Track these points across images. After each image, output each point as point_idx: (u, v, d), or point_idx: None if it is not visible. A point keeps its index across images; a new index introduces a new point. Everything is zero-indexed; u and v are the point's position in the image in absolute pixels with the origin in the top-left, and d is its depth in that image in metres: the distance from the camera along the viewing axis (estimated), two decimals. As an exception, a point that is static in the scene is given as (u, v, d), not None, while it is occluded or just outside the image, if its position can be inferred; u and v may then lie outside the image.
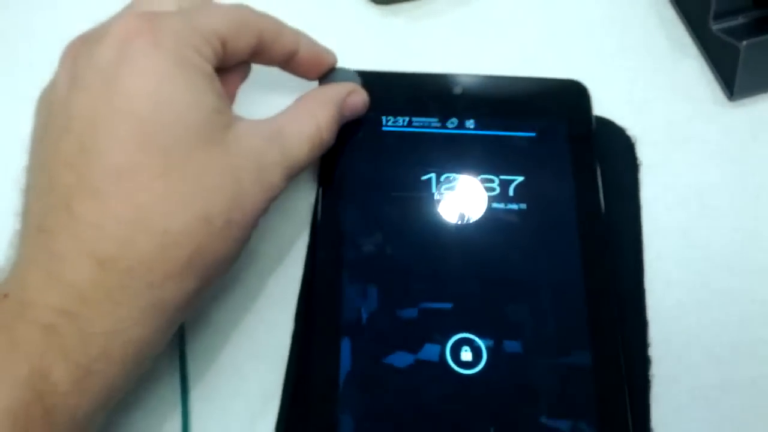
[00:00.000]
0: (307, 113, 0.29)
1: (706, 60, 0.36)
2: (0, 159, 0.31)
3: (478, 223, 0.30)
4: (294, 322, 0.30)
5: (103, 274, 0.23)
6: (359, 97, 0.32)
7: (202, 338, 0.30)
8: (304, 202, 0.33)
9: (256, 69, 0.31)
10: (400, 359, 0.28)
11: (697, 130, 0.34)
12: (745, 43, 0.33)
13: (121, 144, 0.24)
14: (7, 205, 0.27)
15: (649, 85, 0.36)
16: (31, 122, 0.27)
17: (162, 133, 0.25)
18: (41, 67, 0.28)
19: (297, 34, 0.31)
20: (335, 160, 0.32)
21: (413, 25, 0.38)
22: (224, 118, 0.26)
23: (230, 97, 0.29)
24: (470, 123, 0.33)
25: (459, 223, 0.30)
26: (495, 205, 0.31)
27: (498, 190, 0.31)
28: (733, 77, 0.34)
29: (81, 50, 0.26)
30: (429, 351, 0.28)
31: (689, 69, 0.36)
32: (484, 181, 0.31)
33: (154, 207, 0.24)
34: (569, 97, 0.33)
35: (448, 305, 0.29)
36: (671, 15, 0.37)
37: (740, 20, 0.34)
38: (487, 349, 0.28)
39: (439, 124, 0.33)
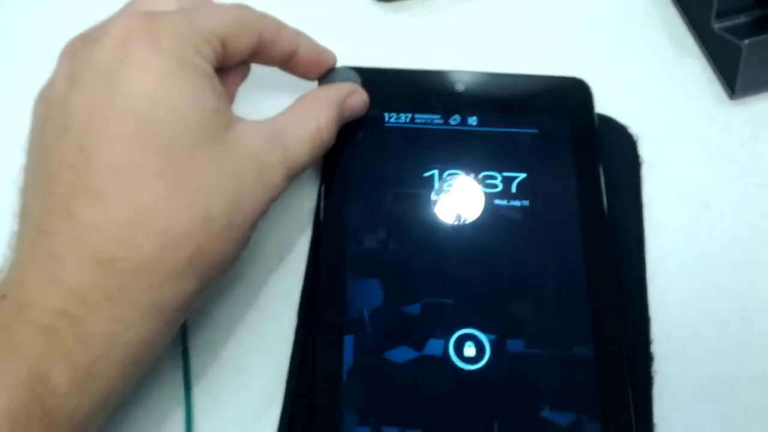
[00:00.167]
0: (308, 114, 0.29)
1: (707, 59, 0.36)
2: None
3: (480, 219, 0.30)
4: (297, 318, 0.30)
5: (103, 276, 0.23)
6: (359, 98, 0.32)
7: (205, 334, 0.30)
8: (306, 198, 0.33)
9: (256, 69, 0.31)
10: (403, 354, 0.28)
11: (698, 129, 0.34)
12: (746, 41, 0.33)
13: (120, 144, 0.24)
14: (4, 206, 0.27)
15: (650, 84, 0.36)
16: (29, 121, 0.27)
17: (162, 133, 0.24)
18: (40, 65, 0.28)
19: (297, 34, 0.31)
20: (338, 157, 0.32)
21: (416, 22, 0.38)
22: (224, 119, 0.26)
23: (230, 97, 0.29)
24: (473, 120, 0.33)
25: (461, 219, 0.30)
26: (497, 201, 0.31)
27: (501, 187, 0.31)
28: (735, 76, 0.34)
29: (80, 49, 0.26)
30: (432, 346, 0.28)
31: (691, 67, 0.36)
32: (486, 177, 0.31)
33: (153, 207, 0.24)
34: (572, 94, 0.33)
35: (450, 301, 0.29)
36: (673, 14, 0.38)
37: (742, 19, 0.35)
38: (491, 344, 0.28)
39: (441, 121, 0.33)
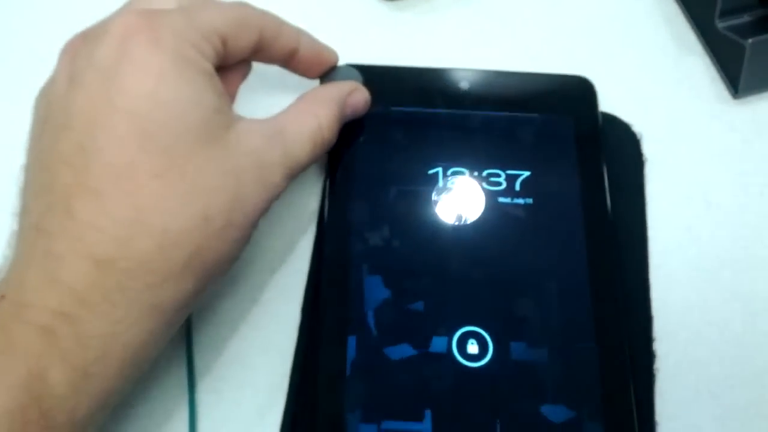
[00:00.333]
0: (309, 112, 0.29)
1: (710, 58, 0.36)
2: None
3: (484, 217, 0.31)
4: (301, 315, 0.30)
5: (101, 276, 0.23)
6: (361, 96, 0.32)
7: (209, 330, 0.30)
8: (310, 195, 0.33)
9: (257, 67, 0.31)
10: (407, 351, 0.28)
11: (701, 127, 0.35)
12: (750, 41, 0.33)
13: (120, 143, 0.24)
14: (5, 205, 0.27)
15: (654, 82, 0.36)
16: (29, 120, 0.27)
17: (161, 133, 0.24)
18: (40, 63, 0.28)
19: (298, 32, 0.31)
20: (342, 154, 0.32)
21: (420, 20, 0.38)
22: (224, 118, 0.26)
23: (231, 95, 0.29)
24: (477, 118, 0.33)
25: (465, 216, 0.31)
26: (501, 199, 0.31)
27: (504, 185, 0.31)
28: (738, 75, 0.34)
29: (80, 48, 0.26)
30: (435, 343, 0.28)
31: (694, 66, 0.36)
32: (490, 175, 0.31)
33: (153, 207, 0.24)
34: (576, 92, 0.33)
35: (454, 298, 0.29)
36: (676, 12, 0.38)
37: (745, 18, 0.35)
38: (494, 341, 0.28)
39: (445, 119, 0.33)
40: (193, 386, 0.29)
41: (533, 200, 0.31)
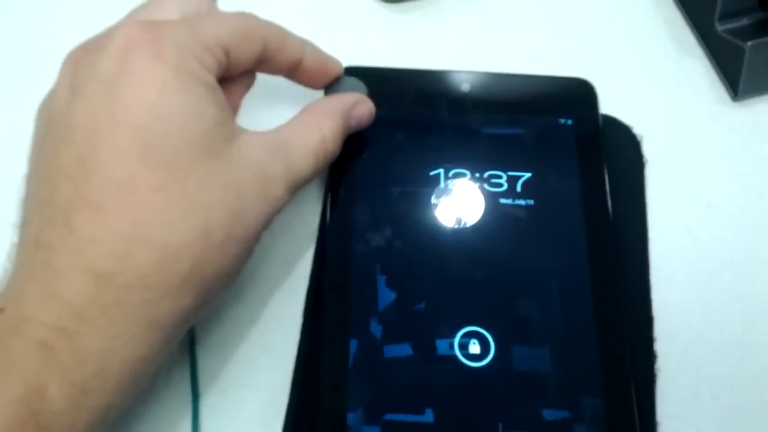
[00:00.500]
0: (313, 124, 0.29)
1: (710, 60, 0.36)
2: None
3: (485, 218, 0.31)
4: (303, 316, 0.30)
5: (100, 290, 0.23)
6: (365, 108, 0.31)
7: (212, 330, 0.30)
8: (312, 196, 0.33)
9: (261, 78, 0.31)
10: (409, 351, 0.28)
11: (701, 129, 0.35)
12: (750, 43, 0.33)
13: (121, 156, 0.24)
14: (5, 216, 0.27)
15: (654, 85, 0.36)
16: (31, 130, 0.27)
17: (162, 146, 0.24)
18: (43, 73, 0.28)
19: (302, 42, 0.30)
20: (344, 156, 0.32)
21: (422, 23, 0.38)
22: (226, 130, 0.26)
23: (234, 106, 0.29)
24: (478, 120, 0.33)
25: (467, 218, 0.31)
26: (503, 200, 0.31)
27: (506, 186, 0.31)
28: (738, 77, 0.35)
29: (82, 59, 0.26)
30: (438, 343, 0.28)
31: (694, 69, 0.36)
32: (491, 177, 0.32)
33: (152, 220, 0.24)
34: (577, 95, 0.34)
35: (456, 299, 0.29)
36: (676, 15, 0.38)
37: (745, 21, 0.35)
38: (495, 341, 0.28)
39: (447, 121, 0.33)
40: (196, 386, 0.29)
41: (534, 201, 0.31)
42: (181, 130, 0.25)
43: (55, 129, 0.25)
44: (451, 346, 0.28)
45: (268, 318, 0.31)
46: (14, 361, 0.22)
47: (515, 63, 0.36)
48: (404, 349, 0.28)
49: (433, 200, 0.31)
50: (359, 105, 0.31)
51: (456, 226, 0.31)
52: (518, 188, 0.31)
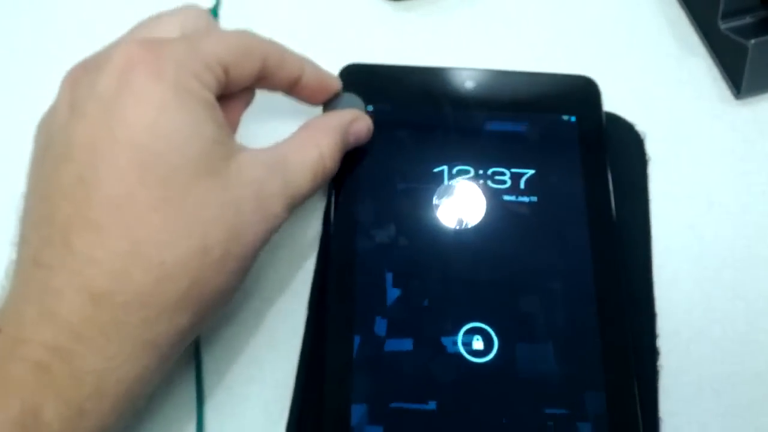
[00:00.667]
0: (311, 142, 0.29)
1: (713, 58, 0.36)
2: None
3: (489, 214, 0.31)
4: (307, 311, 0.30)
5: (97, 310, 0.23)
6: (363, 124, 0.31)
7: (216, 326, 0.30)
8: (317, 193, 0.33)
9: (260, 94, 0.31)
10: (413, 347, 0.28)
11: (704, 127, 0.35)
12: (753, 42, 0.34)
13: (120, 175, 0.24)
14: (3, 233, 0.27)
15: (657, 83, 0.36)
16: (30, 147, 0.27)
17: (160, 165, 0.24)
18: (42, 90, 0.28)
19: (301, 59, 0.30)
20: (348, 153, 0.32)
21: (425, 21, 0.38)
22: (225, 148, 0.26)
23: (233, 123, 0.29)
24: (482, 117, 0.33)
25: (470, 214, 0.31)
26: (506, 197, 0.31)
27: (509, 183, 0.31)
28: (741, 76, 0.35)
29: (82, 77, 0.26)
30: (441, 339, 0.28)
31: (697, 67, 0.36)
32: (495, 173, 0.32)
33: (150, 239, 0.24)
34: (580, 92, 0.34)
35: (460, 295, 0.29)
36: (679, 14, 0.38)
37: (748, 20, 0.35)
38: (499, 337, 0.28)
39: (450, 118, 0.33)
40: (200, 380, 0.29)
41: (538, 198, 0.31)
42: (179, 148, 0.25)
43: (54, 147, 0.25)
44: (455, 342, 0.28)
45: (273, 313, 0.31)
46: (10, 381, 0.22)
47: (518, 60, 0.36)
48: (408, 344, 0.28)
49: (437, 197, 0.31)
50: (357, 122, 0.31)
51: (459, 223, 0.31)
52: (521, 185, 0.31)
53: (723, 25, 0.35)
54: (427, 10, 0.38)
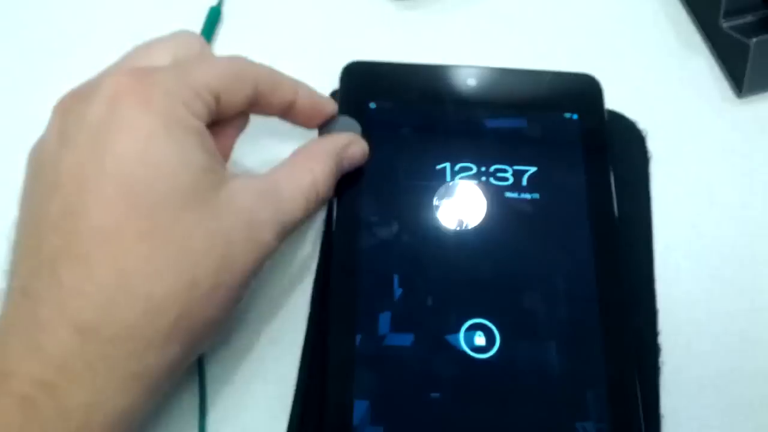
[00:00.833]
0: (304, 167, 0.29)
1: (715, 57, 0.36)
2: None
3: (491, 211, 0.31)
4: (310, 307, 0.30)
5: (84, 344, 0.23)
6: (358, 148, 0.31)
7: (218, 321, 0.30)
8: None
9: (256, 117, 0.30)
10: (416, 343, 0.28)
11: (706, 126, 0.35)
12: (754, 40, 0.34)
13: (107, 205, 0.24)
14: None
15: (659, 81, 0.36)
16: (22, 175, 0.27)
17: (148, 195, 0.24)
18: (35, 117, 0.27)
19: (295, 83, 0.30)
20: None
21: (428, 19, 0.38)
22: (215, 177, 0.26)
23: (227, 149, 0.29)
24: (484, 114, 0.33)
25: (473, 211, 0.31)
26: (508, 194, 0.31)
27: (511, 180, 0.31)
28: (742, 74, 0.35)
29: (72, 106, 0.26)
30: (443, 335, 0.28)
31: (699, 66, 0.37)
32: (497, 171, 0.32)
33: (137, 271, 0.23)
34: (582, 90, 0.34)
35: (462, 291, 0.29)
36: (681, 12, 0.38)
37: (750, 18, 0.35)
38: (501, 334, 0.28)
39: (453, 115, 0.33)
40: (203, 378, 0.29)
41: (540, 195, 0.31)
42: (167, 178, 0.24)
43: (43, 176, 0.25)
44: (457, 338, 0.28)
45: (275, 310, 0.31)
46: None
47: (521, 58, 0.36)
48: (410, 340, 0.28)
49: (439, 194, 0.31)
50: (352, 146, 0.31)
51: (462, 220, 0.31)
52: (524, 182, 0.31)
53: (725, 24, 0.35)
54: (429, 8, 0.39)
